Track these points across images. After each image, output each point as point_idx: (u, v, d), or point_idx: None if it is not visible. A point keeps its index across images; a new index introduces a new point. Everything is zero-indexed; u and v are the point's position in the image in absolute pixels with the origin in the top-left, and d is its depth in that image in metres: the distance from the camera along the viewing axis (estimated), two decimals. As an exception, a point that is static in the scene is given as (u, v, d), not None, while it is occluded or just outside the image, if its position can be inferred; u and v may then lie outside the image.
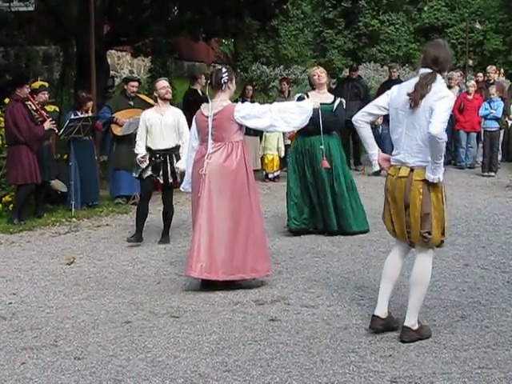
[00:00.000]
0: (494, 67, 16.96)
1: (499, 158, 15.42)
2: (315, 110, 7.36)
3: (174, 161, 8.76)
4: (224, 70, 7.06)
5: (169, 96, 8.81)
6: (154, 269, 7.71)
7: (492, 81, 15.90)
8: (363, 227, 9.30)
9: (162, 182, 8.89)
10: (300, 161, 9.19)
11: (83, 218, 10.64)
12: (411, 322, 5.37)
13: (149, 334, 5.61)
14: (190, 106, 13.72)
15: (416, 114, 5.25)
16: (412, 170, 5.29)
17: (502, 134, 15.63)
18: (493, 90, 14.69)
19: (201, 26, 17.53)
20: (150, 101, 12.67)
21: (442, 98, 5.18)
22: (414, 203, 5.26)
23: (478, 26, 35.19)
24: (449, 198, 11.92)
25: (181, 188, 7.56)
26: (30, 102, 10.45)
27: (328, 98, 9.26)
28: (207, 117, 6.86)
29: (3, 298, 6.66)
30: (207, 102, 7.04)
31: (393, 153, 5.47)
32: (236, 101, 9.88)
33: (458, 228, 9.50)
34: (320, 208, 9.14)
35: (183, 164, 8.05)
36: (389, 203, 5.47)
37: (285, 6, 19.58)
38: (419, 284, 5.43)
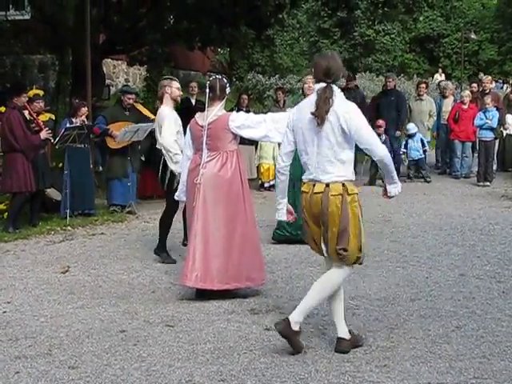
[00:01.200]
0: (489, 77, 17.01)
1: (494, 167, 15.45)
2: None
3: None
4: (225, 80, 7.08)
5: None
6: (149, 278, 7.69)
7: (487, 91, 15.94)
8: None
9: None
10: (295, 169, 9.20)
11: (78, 226, 10.62)
12: (342, 333, 5.34)
13: (143, 343, 5.60)
14: (182, 114, 13.77)
15: (324, 130, 5.20)
16: (327, 185, 5.22)
17: (497, 144, 15.68)
18: (488, 99, 14.73)
19: (196, 35, 17.59)
20: (147, 112, 12.67)
21: (352, 117, 5.18)
22: (332, 219, 5.18)
23: (473, 36, 35.31)
24: (444, 207, 12.01)
25: (175, 197, 7.55)
26: (26, 111, 10.45)
27: None
28: (202, 126, 6.86)
29: (-3, 307, 6.64)
30: (201, 110, 7.05)
31: (306, 173, 5.38)
32: (231, 110, 9.88)
33: (453, 238, 9.51)
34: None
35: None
36: (307, 222, 5.40)
37: (280, 16, 19.66)
38: (321, 290, 5.33)
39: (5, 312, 6.48)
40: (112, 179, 11.78)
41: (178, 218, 10.91)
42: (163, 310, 6.45)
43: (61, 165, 11.59)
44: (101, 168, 12.69)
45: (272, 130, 6.84)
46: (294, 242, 8.93)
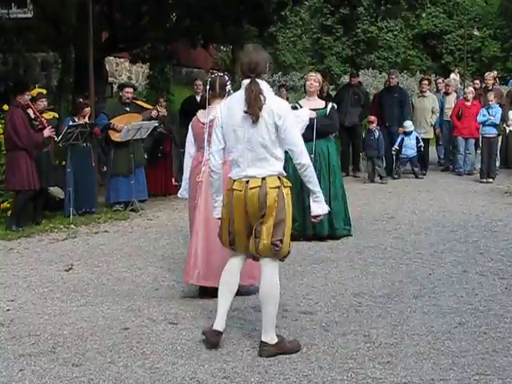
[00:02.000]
0: (491, 74, 16.98)
1: (497, 164, 15.44)
2: (311, 120, 7.36)
3: None
4: (226, 77, 7.06)
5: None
6: (152, 275, 7.70)
7: (490, 87, 15.92)
8: (350, 232, 9.45)
9: None
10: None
11: (81, 224, 10.63)
12: (267, 337, 5.24)
13: (147, 340, 5.60)
14: (185, 112, 13.79)
15: (258, 127, 5.14)
16: (263, 179, 5.17)
17: (500, 141, 15.67)
18: (491, 96, 14.70)
19: (199, 33, 17.57)
20: (146, 105, 12.70)
21: (285, 116, 5.17)
22: (270, 211, 5.14)
23: (476, 32, 35.31)
24: (447, 204, 11.99)
25: (178, 194, 7.55)
26: (30, 109, 10.45)
27: (320, 103, 9.27)
28: (204, 123, 6.86)
29: (1, 305, 6.64)
30: (203, 108, 7.05)
31: (234, 171, 5.30)
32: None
33: (456, 234, 9.51)
34: (302, 213, 9.16)
35: None
36: (229, 220, 5.30)
37: (283, 13, 19.63)
38: (271, 298, 5.26)
39: (8, 310, 6.49)
40: (117, 176, 11.78)
41: (181, 215, 10.95)
42: (166, 308, 6.46)
43: (64, 163, 11.59)
44: (105, 168, 12.68)
45: None
46: (295, 239, 8.95)
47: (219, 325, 5.40)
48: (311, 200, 5.37)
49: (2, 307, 6.57)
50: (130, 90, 12.27)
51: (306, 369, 4.96)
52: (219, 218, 5.48)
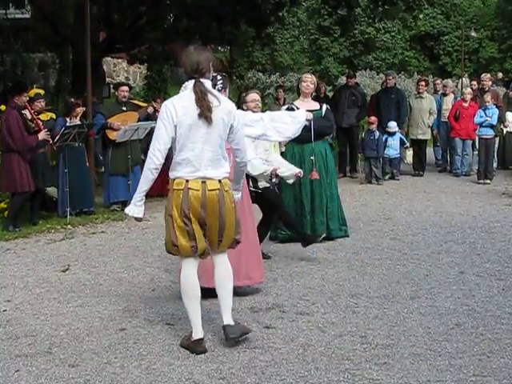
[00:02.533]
0: (488, 75, 16.98)
1: (494, 165, 15.44)
2: (308, 121, 7.35)
3: None
4: (219, 77, 7.05)
5: (257, 110, 8.38)
6: (149, 276, 7.69)
7: (486, 88, 15.93)
8: (346, 233, 9.47)
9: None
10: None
11: (78, 225, 10.62)
12: (231, 318, 5.50)
13: (143, 341, 5.60)
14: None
15: (216, 127, 5.22)
16: (220, 181, 5.31)
17: (497, 142, 15.67)
18: (488, 97, 14.72)
19: (197, 33, 17.58)
20: (143, 104, 12.69)
21: (238, 116, 5.38)
22: (229, 212, 5.34)
23: (473, 33, 35.26)
24: (444, 205, 11.99)
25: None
26: (26, 111, 10.42)
27: (314, 105, 9.23)
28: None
29: (-2, 305, 6.65)
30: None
31: (186, 170, 5.26)
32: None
33: (454, 235, 9.51)
34: (311, 214, 9.16)
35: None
36: (189, 219, 5.28)
37: (280, 14, 19.65)
38: (230, 281, 5.55)
39: (5, 310, 6.49)
40: (113, 175, 11.77)
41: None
42: (163, 309, 6.45)
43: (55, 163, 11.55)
44: (103, 169, 12.66)
45: (270, 128, 6.84)
46: (293, 241, 8.98)
47: (200, 332, 5.42)
48: (233, 190, 5.54)
49: (-2, 308, 6.57)
50: (126, 88, 12.23)
51: (302, 370, 4.96)
52: (139, 219, 5.54)
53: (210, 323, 5.99)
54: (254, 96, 8.05)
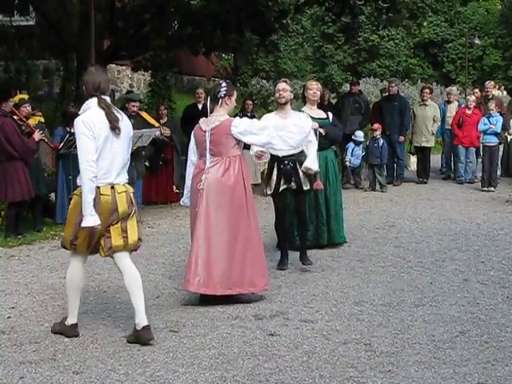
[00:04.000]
0: (492, 82, 16.98)
1: (498, 173, 15.44)
2: (315, 130, 7.36)
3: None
4: (224, 84, 7.06)
5: (281, 100, 8.30)
6: (153, 283, 7.69)
7: (490, 96, 15.93)
8: (345, 239, 9.51)
9: (294, 188, 8.15)
10: None
11: (82, 231, 10.60)
12: (145, 319, 5.75)
13: (147, 348, 5.60)
14: (188, 120, 13.80)
15: (123, 139, 5.82)
16: (124, 185, 5.87)
17: (501, 149, 15.66)
18: (492, 105, 14.72)
19: (201, 41, 17.61)
20: (152, 120, 12.66)
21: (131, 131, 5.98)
22: (133, 212, 5.88)
23: (477, 41, 35.29)
24: (448, 212, 11.99)
25: (181, 202, 7.55)
26: (15, 116, 10.32)
27: (321, 113, 9.19)
28: (205, 131, 6.87)
29: (2, 312, 6.64)
30: (205, 116, 7.06)
31: (100, 178, 5.67)
32: (236, 115, 9.89)
33: (458, 243, 9.50)
34: (315, 222, 9.18)
35: (314, 164, 8.00)
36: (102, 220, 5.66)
37: (284, 21, 19.67)
38: (139, 286, 5.86)
39: (9, 317, 6.49)
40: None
41: (182, 223, 10.95)
42: (167, 316, 6.45)
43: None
44: None
45: (275, 137, 6.85)
46: (309, 248, 9.01)
47: (75, 318, 5.91)
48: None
49: (2, 314, 6.58)
50: (136, 104, 12.22)
51: (306, 377, 4.95)
52: (98, 227, 5.68)
53: (214, 331, 5.99)
54: (278, 86, 8.37)
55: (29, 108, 11.01)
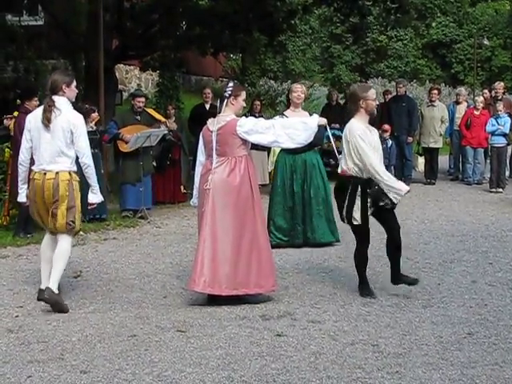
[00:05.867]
0: (501, 83, 16.94)
1: (507, 174, 15.41)
2: (321, 127, 7.32)
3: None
4: (230, 84, 7.06)
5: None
6: (161, 283, 7.70)
7: (499, 97, 15.89)
8: (335, 238, 9.53)
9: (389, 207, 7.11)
10: (288, 178, 9.31)
11: (90, 231, 10.64)
12: (53, 286, 6.63)
13: (155, 348, 5.60)
14: (195, 120, 13.81)
15: (56, 132, 6.69)
16: (57, 173, 6.70)
17: (509, 150, 15.62)
18: (500, 106, 14.69)
19: (209, 41, 17.60)
20: (158, 116, 12.69)
21: (78, 126, 6.77)
22: (62, 199, 6.68)
23: (486, 42, 35.21)
24: (456, 213, 11.95)
25: (190, 202, 7.57)
26: None
27: (305, 115, 9.07)
28: (212, 132, 6.88)
29: (10, 311, 6.66)
30: (214, 116, 7.07)
31: (36, 164, 6.81)
32: (244, 115, 9.89)
33: (466, 244, 9.48)
34: (305, 221, 9.24)
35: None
36: (36, 202, 6.80)
37: (293, 22, 19.64)
38: (61, 258, 6.74)
39: (17, 316, 6.51)
40: (125, 184, 11.79)
41: (190, 223, 10.96)
42: (175, 316, 6.45)
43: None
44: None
45: (282, 135, 6.85)
46: (285, 247, 9.04)
47: (44, 283, 6.78)
48: (90, 192, 7.03)
49: (10, 313, 6.59)
50: (142, 99, 12.25)
51: (314, 378, 4.95)
52: (24, 203, 7.06)
53: (221, 331, 5.99)
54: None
55: None
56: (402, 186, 7.03)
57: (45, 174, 6.71)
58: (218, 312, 6.52)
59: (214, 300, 6.78)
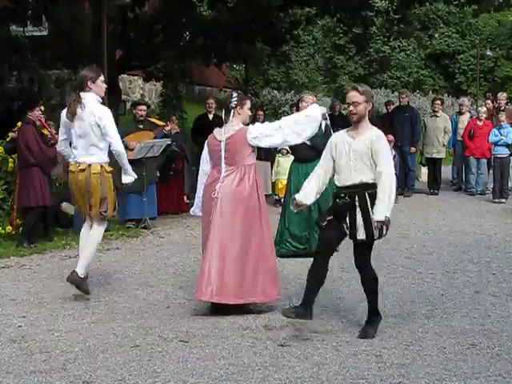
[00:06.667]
0: (504, 94, 16.96)
1: (510, 184, 15.39)
2: (324, 115, 7.32)
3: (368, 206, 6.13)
4: (234, 94, 7.10)
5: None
6: (164, 293, 7.70)
7: (502, 107, 15.90)
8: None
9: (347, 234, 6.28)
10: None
11: (93, 241, 10.62)
12: (80, 271, 7.30)
13: (158, 358, 5.60)
14: (198, 130, 13.84)
15: (84, 127, 7.20)
16: (90, 165, 7.20)
17: (512, 161, 15.61)
18: (503, 116, 14.69)
19: (212, 51, 17.65)
20: (160, 123, 12.73)
21: (104, 117, 7.22)
22: (95, 190, 7.23)
23: (488, 52, 35.27)
24: (459, 224, 11.93)
25: (191, 212, 7.58)
26: (40, 125, 10.47)
27: None
28: (220, 141, 6.89)
29: (13, 321, 6.65)
30: (219, 126, 7.10)
31: (72, 156, 7.41)
32: (248, 125, 9.89)
33: (469, 255, 9.47)
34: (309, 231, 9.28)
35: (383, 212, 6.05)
36: (74, 191, 7.43)
37: (296, 32, 19.70)
38: (89, 246, 7.39)
39: (20, 326, 6.50)
40: (128, 193, 11.79)
41: (193, 233, 10.96)
42: (177, 326, 6.45)
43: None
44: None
45: (290, 133, 6.89)
46: (302, 255, 9.01)
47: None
48: (122, 173, 7.64)
49: (13, 323, 6.58)
50: (143, 107, 12.29)
51: (317, 389, 4.94)
52: None
53: (224, 341, 5.98)
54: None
55: (43, 119, 11.04)
56: None
57: (78, 166, 7.26)
58: (220, 322, 6.52)
59: (217, 309, 6.78)
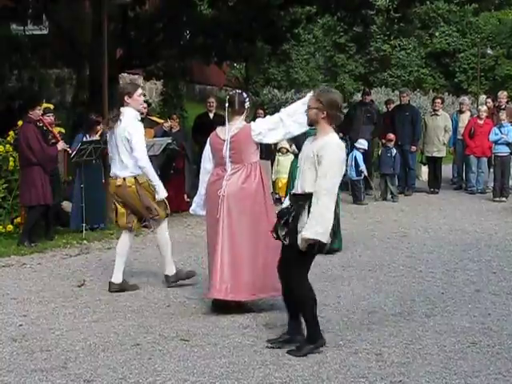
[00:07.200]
0: (505, 92, 16.94)
1: (510, 183, 15.38)
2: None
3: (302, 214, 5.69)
4: (245, 94, 7.12)
5: None
6: (164, 292, 7.70)
7: (503, 106, 15.89)
8: (341, 245, 9.56)
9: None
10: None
11: (94, 240, 10.65)
12: (115, 280, 7.70)
13: (158, 357, 5.60)
14: (198, 129, 13.84)
15: (116, 140, 7.51)
16: (124, 179, 7.52)
17: (512, 159, 15.60)
18: (503, 115, 14.69)
19: (213, 50, 17.64)
20: (159, 120, 12.75)
21: (132, 132, 7.47)
22: (133, 201, 7.59)
23: (489, 51, 35.24)
24: (460, 222, 11.94)
25: (190, 211, 7.58)
26: (42, 124, 10.49)
27: None
28: (223, 140, 6.90)
29: (14, 320, 6.67)
30: (219, 124, 7.10)
31: (111, 169, 7.73)
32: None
33: (469, 253, 9.47)
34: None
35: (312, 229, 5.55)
36: (116, 205, 7.72)
37: (296, 31, 19.70)
38: (119, 255, 7.86)
39: (21, 325, 6.51)
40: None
41: (193, 232, 10.96)
42: (178, 325, 6.46)
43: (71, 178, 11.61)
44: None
45: (291, 124, 6.92)
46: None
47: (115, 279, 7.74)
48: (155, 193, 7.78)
49: (14, 322, 6.59)
50: (144, 104, 12.28)
51: (317, 387, 4.95)
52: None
53: (225, 340, 5.99)
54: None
55: (52, 118, 11.11)
56: None
57: (116, 179, 7.59)
58: (221, 321, 6.52)
59: (218, 308, 6.78)
